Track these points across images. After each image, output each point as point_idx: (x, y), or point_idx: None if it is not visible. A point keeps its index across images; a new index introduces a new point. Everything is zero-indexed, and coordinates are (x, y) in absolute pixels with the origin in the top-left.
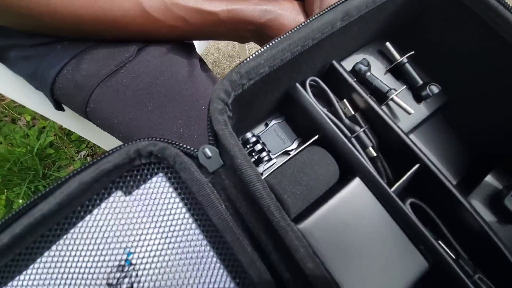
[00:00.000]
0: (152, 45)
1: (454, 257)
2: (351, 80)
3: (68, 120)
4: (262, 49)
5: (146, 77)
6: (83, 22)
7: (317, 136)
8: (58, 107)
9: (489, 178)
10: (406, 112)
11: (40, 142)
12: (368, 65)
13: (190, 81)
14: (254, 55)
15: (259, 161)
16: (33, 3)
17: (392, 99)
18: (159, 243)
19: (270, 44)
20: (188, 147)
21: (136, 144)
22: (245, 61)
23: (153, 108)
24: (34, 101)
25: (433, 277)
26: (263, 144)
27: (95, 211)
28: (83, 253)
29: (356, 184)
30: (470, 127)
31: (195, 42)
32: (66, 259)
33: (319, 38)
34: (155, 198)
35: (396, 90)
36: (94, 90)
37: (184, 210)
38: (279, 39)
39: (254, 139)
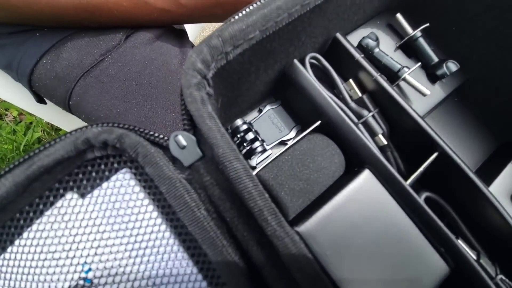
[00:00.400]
0: (140, 31)
1: (475, 257)
2: (358, 55)
3: (53, 114)
4: (252, 7)
5: (134, 67)
6: (64, 10)
7: (319, 123)
8: (40, 99)
9: (511, 167)
10: (421, 94)
11: (27, 138)
12: (377, 39)
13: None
14: (240, 14)
15: (251, 153)
16: None
17: (404, 79)
18: (122, 258)
19: (262, 0)
20: (156, 134)
21: (85, 131)
22: (228, 22)
23: (143, 100)
24: (15, 94)
25: (451, 280)
26: (256, 132)
27: (38, 220)
28: (25, 271)
29: (365, 177)
30: (490, 110)
31: (187, 28)
32: (8, 276)
33: None
34: (116, 201)
35: (408, 69)
36: (77, 82)
37: (155, 215)
38: None
39: (245, 126)
